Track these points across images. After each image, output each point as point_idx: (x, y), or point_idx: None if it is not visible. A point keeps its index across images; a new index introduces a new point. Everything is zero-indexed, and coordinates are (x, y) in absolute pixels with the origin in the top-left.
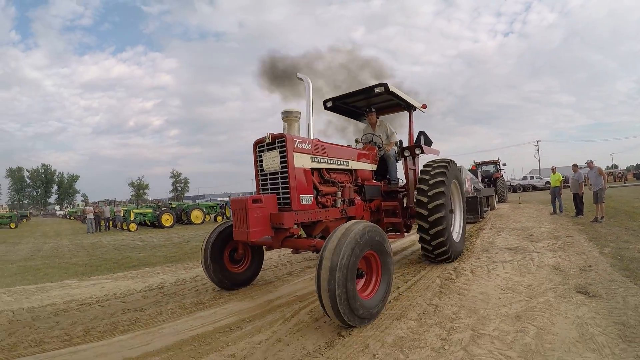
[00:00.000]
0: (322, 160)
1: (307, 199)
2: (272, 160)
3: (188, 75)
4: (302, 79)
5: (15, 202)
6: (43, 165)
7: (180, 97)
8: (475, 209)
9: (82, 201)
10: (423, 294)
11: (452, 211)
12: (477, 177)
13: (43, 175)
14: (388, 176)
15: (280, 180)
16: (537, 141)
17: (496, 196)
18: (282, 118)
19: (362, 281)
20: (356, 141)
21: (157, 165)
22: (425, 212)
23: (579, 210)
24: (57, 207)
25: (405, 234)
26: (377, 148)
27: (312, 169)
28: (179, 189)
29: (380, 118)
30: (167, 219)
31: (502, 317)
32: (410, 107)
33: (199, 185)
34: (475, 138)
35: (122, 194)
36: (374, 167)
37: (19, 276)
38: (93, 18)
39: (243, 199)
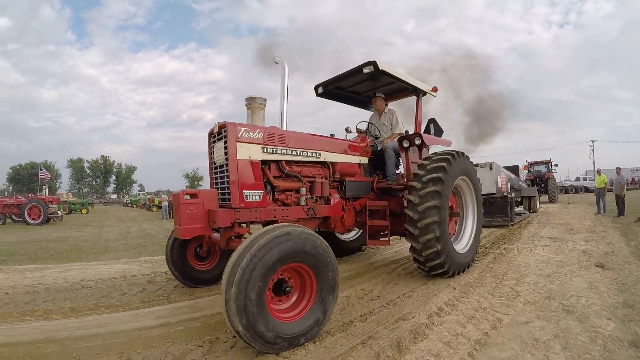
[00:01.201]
0: (279, 151)
1: (254, 195)
2: (219, 152)
3: (239, 71)
4: (277, 62)
5: (75, 191)
6: (102, 156)
7: (232, 92)
8: (504, 211)
9: (139, 191)
10: (482, 260)
11: (455, 215)
12: (519, 176)
13: (102, 165)
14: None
15: (226, 174)
16: (592, 141)
17: (545, 196)
18: (246, 105)
19: (290, 300)
20: (347, 130)
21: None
22: (414, 216)
23: (620, 211)
24: (115, 196)
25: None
26: (373, 139)
27: (265, 161)
28: None
29: (390, 105)
30: None
31: (537, 275)
32: (417, 91)
33: None
34: (530, 135)
35: (177, 184)
36: (362, 160)
37: (135, 250)
38: (145, 17)
39: (177, 194)
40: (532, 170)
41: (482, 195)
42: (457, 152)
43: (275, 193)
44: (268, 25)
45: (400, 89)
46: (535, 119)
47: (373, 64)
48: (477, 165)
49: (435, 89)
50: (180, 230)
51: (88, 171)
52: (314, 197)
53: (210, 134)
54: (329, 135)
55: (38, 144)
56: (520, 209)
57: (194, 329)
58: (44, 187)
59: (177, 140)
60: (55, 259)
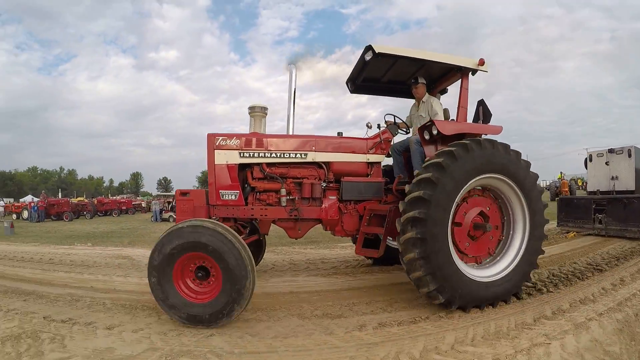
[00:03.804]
0: (257, 154)
1: (230, 194)
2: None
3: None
4: (292, 68)
5: None
6: None
7: None
8: (583, 216)
9: None
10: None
11: (481, 228)
12: None
13: None
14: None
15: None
16: None
17: None
18: (249, 113)
19: (205, 284)
20: (367, 125)
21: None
22: (398, 228)
23: None
24: None
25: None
26: (404, 132)
27: (243, 165)
28: None
29: (429, 94)
30: None
31: None
32: (460, 69)
33: None
34: None
35: None
36: (373, 158)
37: None
38: (298, 30)
39: (176, 191)
40: None
41: (616, 192)
42: (479, 141)
43: (257, 194)
44: (418, 17)
45: (445, 70)
46: None
47: (369, 48)
48: (611, 150)
49: (482, 62)
50: (175, 221)
51: None
52: (296, 198)
53: None
54: (337, 134)
55: None
56: None
57: None
58: None
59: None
60: None
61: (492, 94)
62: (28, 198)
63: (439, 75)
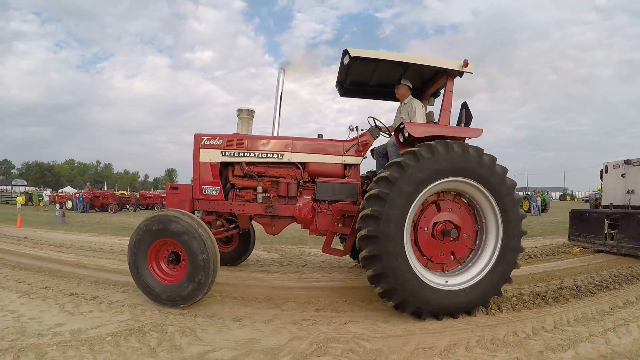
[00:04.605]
0: (237, 154)
1: (211, 190)
2: None
3: None
4: (281, 71)
5: None
6: None
7: None
8: (595, 231)
9: None
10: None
11: (447, 234)
12: None
13: None
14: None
15: None
16: None
17: None
18: (237, 115)
19: (176, 268)
20: (350, 128)
21: None
22: (356, 226)
23: None
24: None
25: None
26: (387, 135)
27: (224, 163)
28: None
29: (418, 97)
30: None
31: None
32: (445, 72)
33: None
34: None
35: None
36: (350, 160)
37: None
38: (332, 33)
39: (167, 185)
40: None
41: (631, 207)
42: (446, 144)
43: (237, 191)
44: (452, 21)
45: (432, 73)
46: None
47: (346, 51)
48: (627, 162)
49: (466, 63)
50: None
51: None
52: (273, 196)
53: None
54: (317, 136)
55: None
56: None
57: None
58: None
59: (378, 143)
60: None
61: (527, 101)
62: (67, 189)
63: (428, 79)
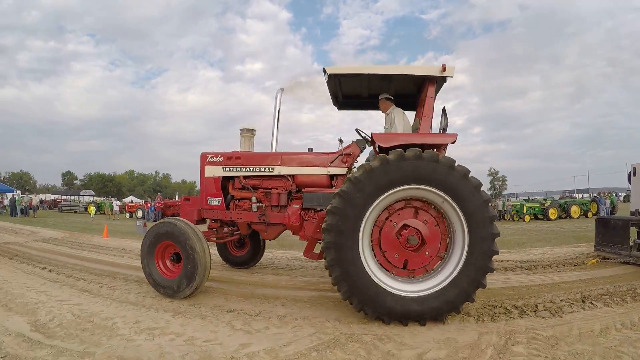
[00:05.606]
0: (235, 169)
1: (215, 200)
2: None
3: (482, 71)
4: (279, 91)
5: None
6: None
7: (478, 94)
8: (620, 241)
9: None
10: None
11: (416, 241)
12: None
13: None
14: None
15: None
16: None
17: None
18: (240, 134)
19: (175, 265)
20: (339, 140)
21: (463, 163)
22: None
23: None
24: None
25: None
26: (358, 148)
27: (225, 177)
28: (497, 186)
29: (394, 106)
30: (552, 213)
31: None
32: (424, 79)
33: (514, 183)
34: None
35: None
36: (335, 171)
37: None
38: (379, 38)
39: (181, 197)
40: None
41: None
42: (399, 153)
43: (236, 201)
44: (500, 18)
45: (419, 81)
46: None
47: (324, 70)
48: None
49: (444, 68)
50: None
51: None
52: (265, 205)
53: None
54: (307, 149)
55: None
56: None
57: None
58: None
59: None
60: None
61: (582, 97)
62: (129, 199)
63: (417, 87)
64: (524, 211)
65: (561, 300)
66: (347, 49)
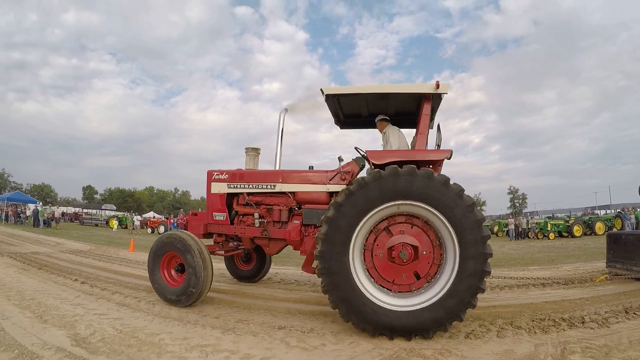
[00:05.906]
0: (239, 186)
1: (220, 216)
2: None
3: (498, 89)
4: (283, 111)
5: None
6: None
7: (495, 112)
8: (632, 257)
9: None
10: None
11: (405, 256)
12: None
13: None
14: None
15: None
16: None
17: None
18: (245, 153)
19: (182, 275)
20: (339, 159)
21: (481, 182)
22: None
23: None
24: None
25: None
26: (357, 166)
27: (229, 194)
28: (517, 204)
29: (390, 125)
30: (577, 230)
31: None
32: (420, 97)
33: (534, 201)
34: None
35: None
36: (334, 188)
37: None
38: (395, 57)
39: (189, 212)
40: None
41: None
42: (378, 172)
43: (240, 217)
44: (514, 35)
45: (417, 99)
46: None
47: (321, 91)
48: None
49: (437, 85)
50: None
51: None
52: (267, 221)
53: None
54: (308, 167)
55: None
56: None
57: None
58: None
59: (448, 166)
60: None
61: (600, 112)
62: (149, 214)
63: (416, 105)
64: (549, 228)
65: (605, 312)
66: (364, 68)
